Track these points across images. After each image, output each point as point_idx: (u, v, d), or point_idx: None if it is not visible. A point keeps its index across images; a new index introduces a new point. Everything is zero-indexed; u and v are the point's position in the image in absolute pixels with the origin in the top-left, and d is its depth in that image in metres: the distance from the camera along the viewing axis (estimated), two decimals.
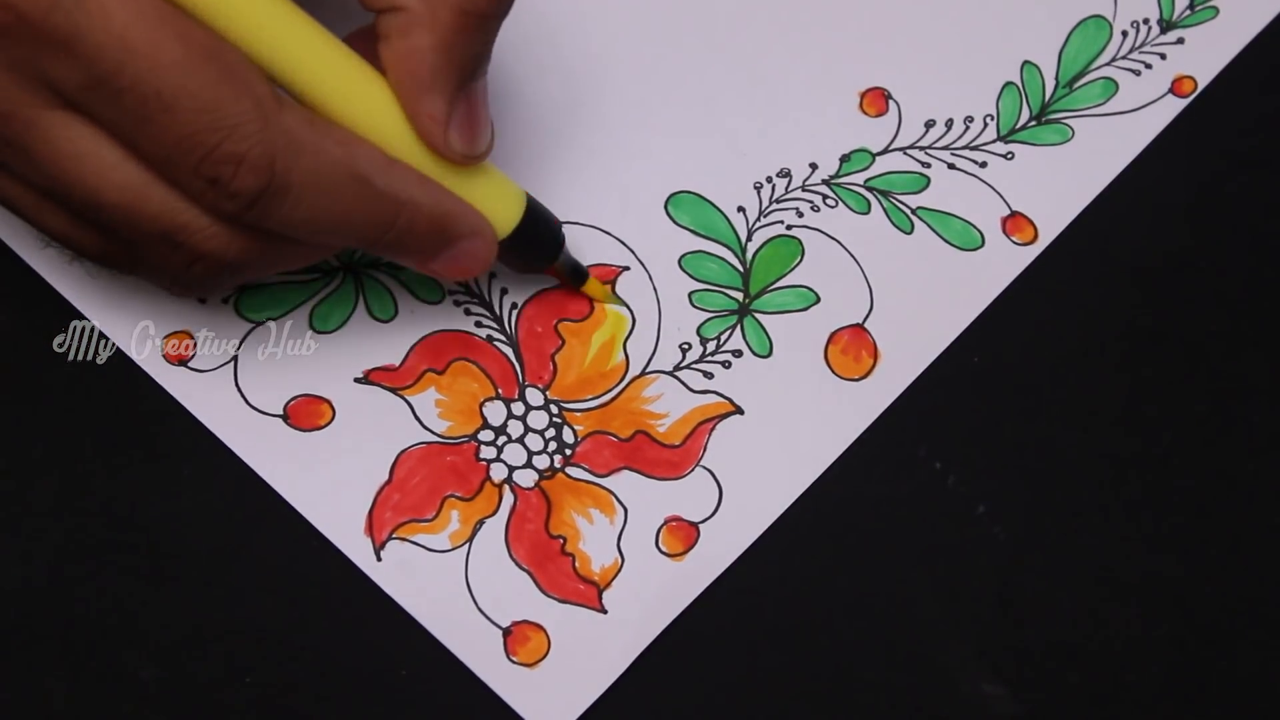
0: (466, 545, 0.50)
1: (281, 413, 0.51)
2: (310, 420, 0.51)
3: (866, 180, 0.55)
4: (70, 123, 0.42)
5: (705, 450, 0.51)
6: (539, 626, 0.49)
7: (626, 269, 0.53)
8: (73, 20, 0.40)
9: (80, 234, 0.45)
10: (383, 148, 0.45)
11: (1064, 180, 0.55)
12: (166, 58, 0.40)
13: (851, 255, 0.54)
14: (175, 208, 0.43)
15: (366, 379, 0.52)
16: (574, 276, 0.52)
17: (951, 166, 0.55)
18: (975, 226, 0.54)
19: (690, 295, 0.53)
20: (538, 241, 0.50)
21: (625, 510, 0.51)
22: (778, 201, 0.54)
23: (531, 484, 0.51)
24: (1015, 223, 0.54)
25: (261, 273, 0.46)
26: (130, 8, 0.40)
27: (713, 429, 0.52)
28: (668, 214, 0.54)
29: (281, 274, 0.52)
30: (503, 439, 0.51)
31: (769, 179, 0.55)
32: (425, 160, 0.46)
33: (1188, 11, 0.57)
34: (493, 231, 0.48)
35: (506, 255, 0.49)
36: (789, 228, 0.54)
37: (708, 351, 0.53)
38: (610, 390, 0.52)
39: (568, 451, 0.51)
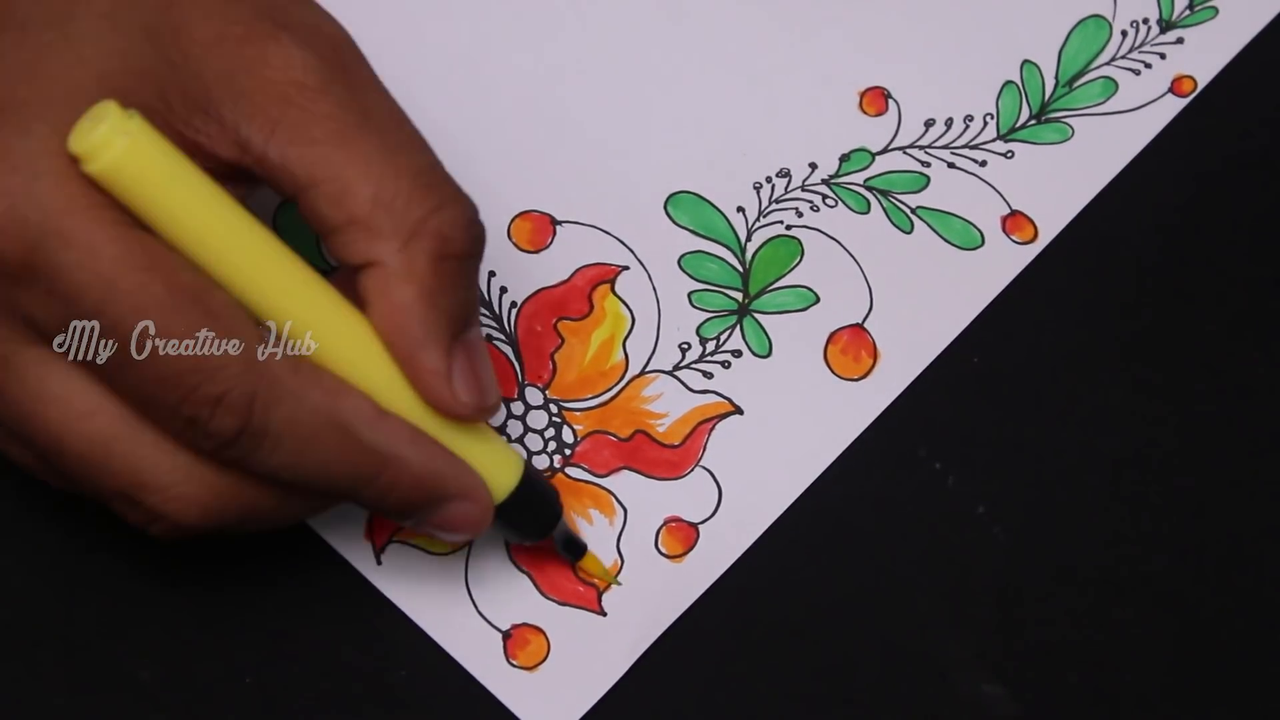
0: (466, 548, 0.50)
1: None
2: None
3: (866, 180, 0.55)
4: (45, 360, 0.41)
5: (705, 450, 0.51)
6: (538, 629, 0.49)
7: (626, 269, 0.53)
8: (55, 260, 0.39)
9: (44, 471, 0.44)
10: (377, 399, 0.43)
11: (1064, 179, 0.55)
12: (150, 299, 0.39)
13: (851, 255, 0.54)
14: (138, 467, 0.42)
15: None
16: (569, 549, 0.50)
17: (951, 166, 0.55)
18: (975, 226, 0.54)
19: (690, 295, 0.53)
20: (532, 511, 0.48)
21: (625, 511, 0.51)
22: (777, 201, 0.54)
23: None
24: (1015, 222, 0.54)
25: (228, 531, 0.44)
26: (117, 246, 0.39)
27: (712, 429, 0.52)
28: (667, 214, 0.54)
29: None
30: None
31: (768, 179, 0.55)
32: (422, 415, 0.44)
33: (1187, 11, 0.57)
34: (488, 495, 0.45)
35: (497, 522, 0.47)
36: (788, 228, 0.54)
37: (707, 351, 0.53)
38: (610, 390, 0.52)
39: (567, 451, 0.51)
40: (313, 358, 0.42)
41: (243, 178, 0.43)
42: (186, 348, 0.40)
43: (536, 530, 0.48)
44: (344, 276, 0.44)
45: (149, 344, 0.40)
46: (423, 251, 0.42)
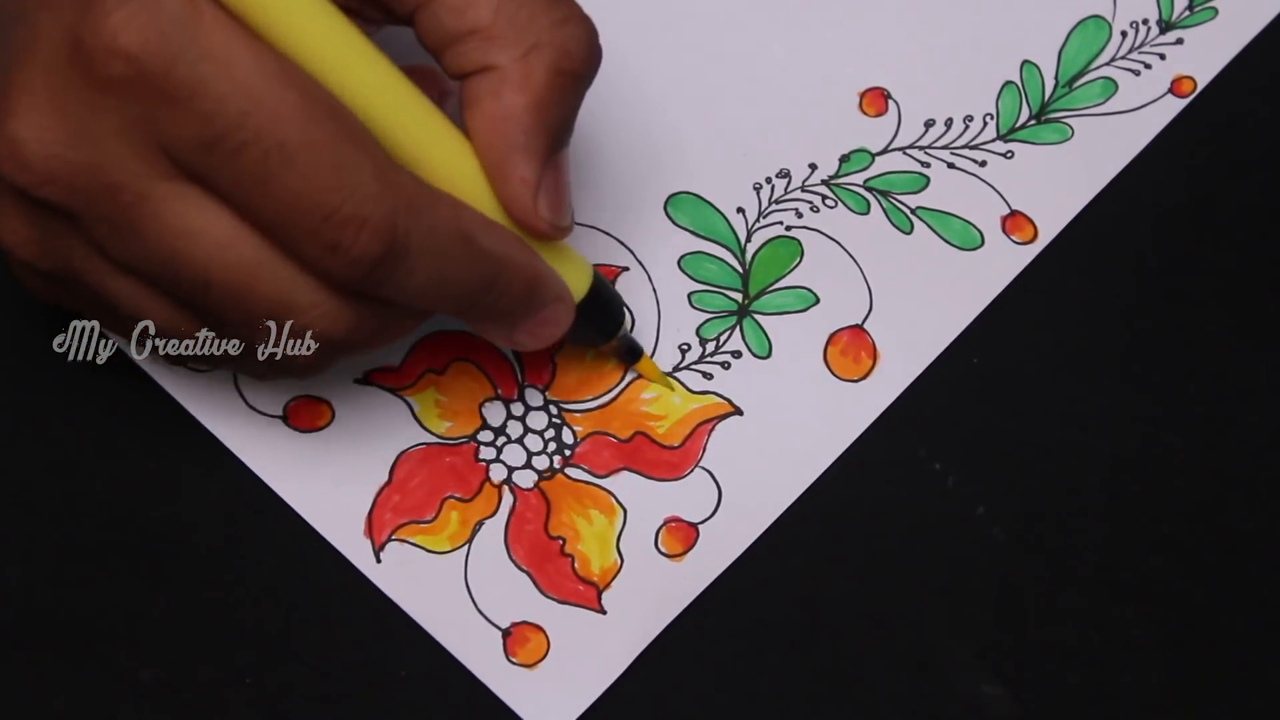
0: (466, 546, 0.50)
1: (281, 414, 0.51)
2: (310, 421, 0.51)
3: (866, 180, 0.55)
4: (184, 194, 0.40)
5: (704, 451, 0.51)
6: (538, 627, 0.49)
7: (626, 269, 0.53)
8: (197, 72, 0.38)
9: (188, 328, 0.44)
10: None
11: (1064, 179, 0.55)
12: (289, 110, 0.39)
13: (851, 256, 0.54)
14: (286, 287, 0.41)
15: (366, 379, 0.52)
16: (629, 355, 0.52)
17: (951, 166, 0.55)
18: (975, 226, 0.54)
19: (689, 296, 0.53)
20: (601, 316, 0.49)
21: (625, 511, 0.51)
22: (777, 202, 0.54)
23: (531, 485, 0.51)
24: (1015, 222, 0.54)
25: (358, 353, 0.45)
26: (253, 59, 0.39)
27: (712, 430, 0.52)
28: (667, 214, 0.54)
29: None
30: (502, 440, 0.51)
31: (768, 179, 0.55)
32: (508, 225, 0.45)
33: (1187, 12, 0.57)
34: (571, 297, 0.47)
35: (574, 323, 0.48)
36: (788, 228, 0.54)
37: (707, 352, 0.53)
38: (610, 391, 0.52)
39: (567, 452, 0.51)
40: (423, 171, 0.43)
41: (357, 5, 0.44)
42: (326, 161, 0.39)
43: (606, 332, 0.50)
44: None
45: (290, 157, 0.39)
46: (542, 62, 0.43)
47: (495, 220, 0.44)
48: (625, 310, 0.51)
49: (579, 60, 0.44)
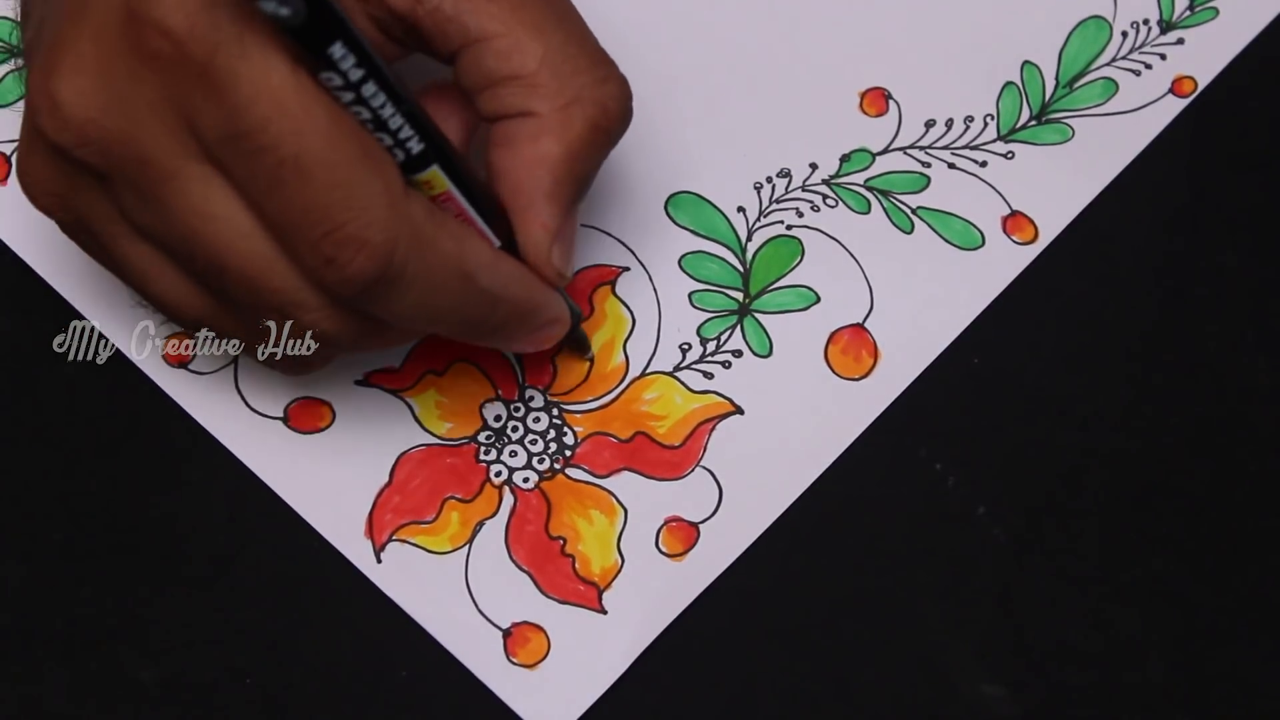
0: (466, 546, 0.50)
1: (282, 415, 0.51)
2: (310, 422, 0.51)
3: (866, 180, 0.55)
4: (210, 179, 0.41)
5: (705, 450, 0.52)
6: (539, 627, 0.49)
7: (626, 269, 0.53)
8: (232, 65, 0.39)
9: (191, 300, 0.44)
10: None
11: (1064, 180, 0.55)
12: (312, 125, 0.39)
13: (851, 255, 0.54)
14: (296, 285, 0.42)
15: (367, 381, 0.52)
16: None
17: (952, 166, 0.55)
18: (975, 226, 0.54)
19: (690, 295, 0.53)
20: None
21: (625, 511, 0.51)
22: (778, 201, 0.54)
23: (531, 485, 0.51)
24: (1015, 222, 0.54)
25: (355, 351, 0.46)
26: (290, 72, 0.39)
27: (713, 429, 0.52)
28: (668, 214, 0.54)
29: None
30: (503, 440, 0.51)
31: (769, 179, 0.55)
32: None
33: (1188, 12, 0.57)
34: (568, 315, 0.48)
35: None
36: (789, 228, 0.54)
37: (708, 352, 0.53)
38: (610, 391, 0.52)
39: (568, 453, 0.51)
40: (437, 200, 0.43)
41: (400, 35, 0.45)
42: (339, 180, 0.40)
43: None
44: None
45: (305, 171, 0.39)
46: (582, 115, 0.45)
47: (503, 256, 0.45)
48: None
49: (614, 118, 0.46)
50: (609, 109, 0.45)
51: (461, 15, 0.44)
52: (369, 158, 0.40)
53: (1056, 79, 0.56)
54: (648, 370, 0.52)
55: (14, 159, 0.43)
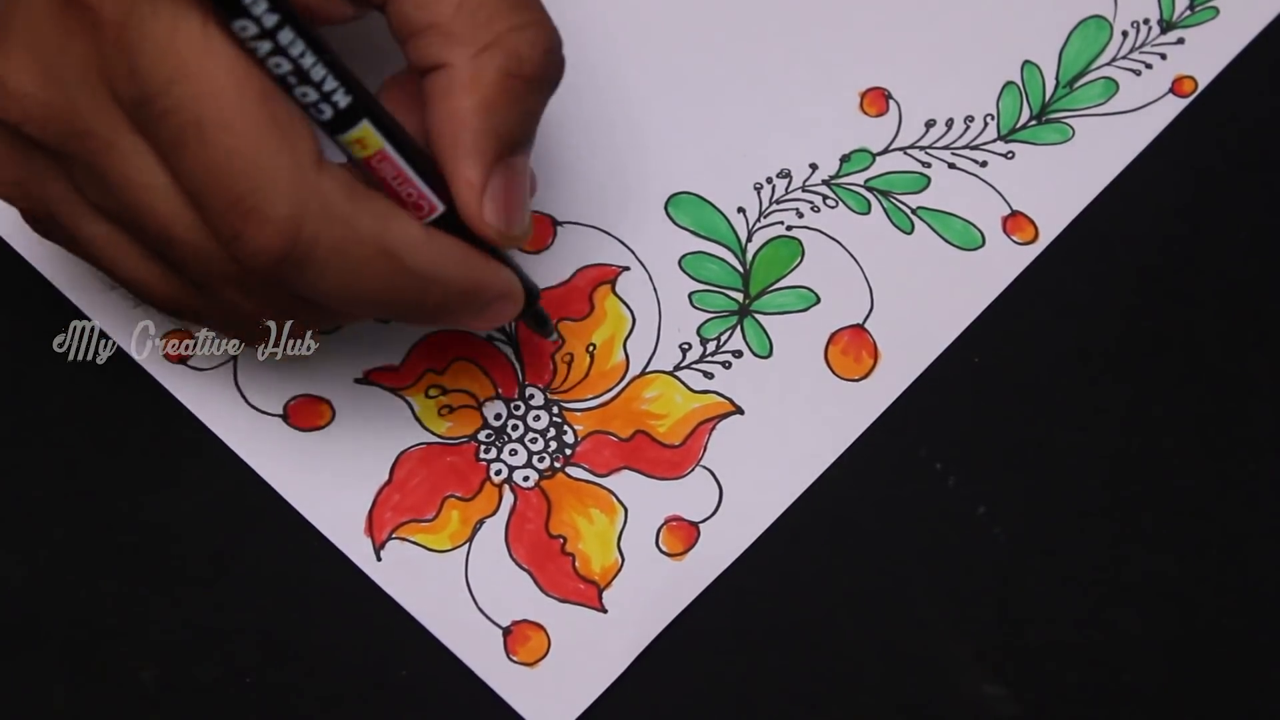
0: (466, 545, 0.50)
1: (281, 413, 0.51)
2: (310, 420, 0.51)
3: (867, 180, 0.55)
4: (140, 147, 0.40)
5: (705, 450, 0.52)
6: (539, 626, 0.49)
7: (626, 269, 0.53)
8: (143, 29, 0.38)
9: (152, 277, 0.43)
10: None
11: (1064, 180, 0.55)
12: (214, 87, 0.38)
13: (851, 255, 0.54)
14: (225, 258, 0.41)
15: (367, 379, 0.52)
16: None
17: (952, 166, 0.55)
18: (975, 226, 0.54)
19: (690, 296, 0.53)
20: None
21: (625, 510, 0.51)
22: (778, 202, 0.54)
23: (531, 484, 0.51)
24: (1015, 222, 0.54)
25: (310, 325, 0.44)
26: (195, 25, 0.38)
27: (713, 429, 0.52)
28: (668, 214, 0.54)
29: None
30: (503, 439, 0.51)
31: (769, 179, 0.55)
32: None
33: (1188, 11, 0.57)
34: (520, 290, 0.46)
35: None
36: (789, 228, 0.54)
37: (708, 352, 0.53)
38: (610, 390, 0.52)
39: (568, 451, 0.51)
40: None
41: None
42: (239, 147, 0.39)
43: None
44: (394, 81, 0.44)
45: (206, 136, 0.38)
46: (492, 63, 0.43)
47: (435, 233, 0.43)
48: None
49: (532, 65, 0.43)
50: (525, 55, 0.43)
51: None
52: (276, 124, 0.39)
53: (1057, 79, 0.56)
54: (648, 369, 0.52)
55: None
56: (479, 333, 0.51)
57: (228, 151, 0.39)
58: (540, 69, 0.43)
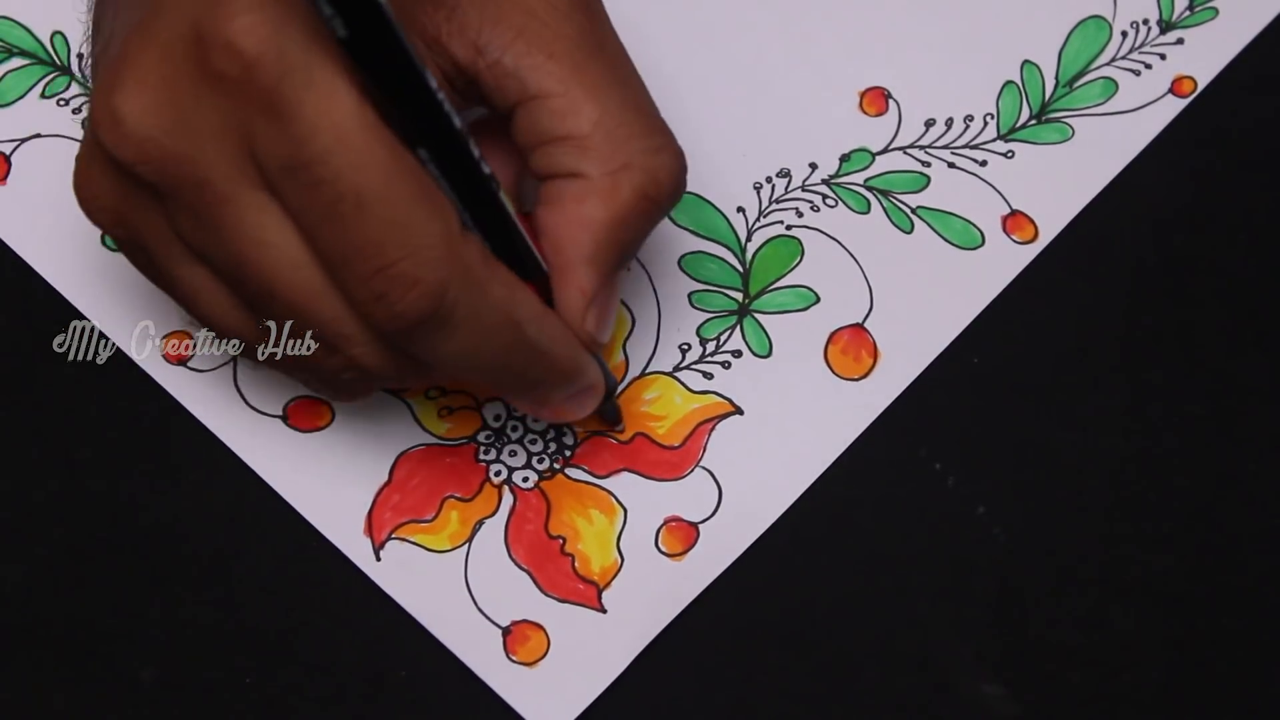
0: (466, 545, 0.50)
1: (281, 413, 0.51)
2: (310, 421, 0.51)
3: (866, 180, 0.55)
4: (266, 206, 0.40)
5: (705, 451, 0.51)
6: (538, 626, 0.49)
7: (627, 269, 0.53)
8: (298, 94, 0.38)
9: (238, 324, 0.44)
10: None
11: (1064, 179, 0.55)
12: (374, 160, 0.39)
13: (851, 255, 0.54)
14: (344, 317, 0.42)
15: None
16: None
17: (951, 165, 0.55)
18: (975, 225, 0.54)
19: (690, 295, 0.53)
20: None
21: (625, 510, 0.51)
22: (777, 201, 0.54)
23: (531, 485, 0.51)
24: (1015, 221, 0.54)
25: (395, 386, 0.46)
26: (355, 105, 0.39)
27: (712, 429, 0.52)
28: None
29: None
30: (502, 440, 0.51)
31: (769, 179, 0.55)
32: None
33: (1187, 12, 0.57)
34: (603, 384, 0.48)
35: None
36: (789, 228, 0.54)
37: (707, 352, 0.53)
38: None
39: (567, 453, 0.51)
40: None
41: (462, 87, 0.45)
42: (396, 218, 0.39)
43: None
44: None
45: (365, 206, 0.39)
46: (630, 183, 0.44)
47: (550, 312, 0.45)
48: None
49: (664, 189, 0.45)
50: (659, 179, 0.45)
51: (521, 71, 0.44)
52: (428, 197, 0.40)
53: (1056, 78, 0.56)
54: (647, 370, 0.52)
55: (73, 170, 0.43)
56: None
57: (384, 222, 0.39)
58: (670, 194, 0.45)
